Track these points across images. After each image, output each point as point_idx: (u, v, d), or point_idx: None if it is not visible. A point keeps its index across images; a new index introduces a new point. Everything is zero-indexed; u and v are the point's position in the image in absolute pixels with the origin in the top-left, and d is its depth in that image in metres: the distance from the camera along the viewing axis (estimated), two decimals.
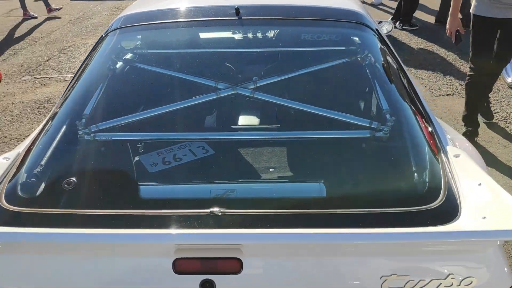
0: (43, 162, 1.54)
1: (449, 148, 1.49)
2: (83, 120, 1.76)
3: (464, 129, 3.28)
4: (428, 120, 1.66)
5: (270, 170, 1.63)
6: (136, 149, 1.72)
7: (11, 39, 6.39)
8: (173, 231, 1.17)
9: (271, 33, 2.07)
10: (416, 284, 1.14)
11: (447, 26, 3.05)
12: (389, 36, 5.72)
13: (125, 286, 1.18)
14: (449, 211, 1.22)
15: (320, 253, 1.16)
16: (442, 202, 1.26)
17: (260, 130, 1.77)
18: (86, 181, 1.52)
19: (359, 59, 1.96)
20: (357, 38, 2.03)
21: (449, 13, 3.04)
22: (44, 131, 1.69)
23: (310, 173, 1.58)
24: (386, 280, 1.13)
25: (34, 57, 5.57)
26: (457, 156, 1.43)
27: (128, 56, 2.10)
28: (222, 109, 1.89)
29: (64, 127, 1.74)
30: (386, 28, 3.35)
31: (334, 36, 2.03)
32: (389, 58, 1.92)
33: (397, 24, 6.06)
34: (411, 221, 1.21)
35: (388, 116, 1.69)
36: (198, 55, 2.10)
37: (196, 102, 1.83)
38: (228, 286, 1.15)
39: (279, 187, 1.55)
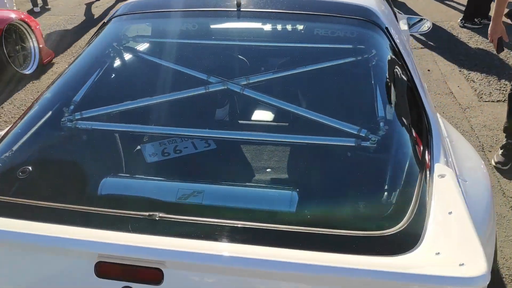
0: (14, 148, 1.55)
1: (437, 167, 1.32)
2: (71, 107, 1.75)
3: (504, 141, 2.98)
4: (427, 131, 1.48)
5: (246, 173, 1.55)
6: (114, 140, 1.69)
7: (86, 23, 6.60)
8: (96, 237, 1.10)
9: (270, 27, 1.95)
10: None
11: (489, 32, 2.73)
12: (446, 34, 5.35)
13: (45, 285, 1.15)
14: (403, 241, 1.08)
15: (243, 273, 1.06)
16: (399, 229, 1.11)
17: (243, 130, 1.68)
18: (42, 171, 1.51)
19: (361, 59, 1.80)
20: (361, 37, 1.86)
21: (491, 18, 2.74)
22: (26, 115, 1.70)
23: (283, 180, 1.48)
24: None
25: None
26: (442, 176, 1.26)
27: (126, 44, 2.07)
28: (209, 104, 1.81)
29: (49, 112, 1.75)
30: (426, 25, 3.13)
31: (337, 33, 1.87)
32: (396, 60, 1.74)
33: (459, 21, 5.65)
34: (357, 247, 1.08)
35: (381, 124, 1.54)
36: (194, 47, 2.03)
37: (184, 95, 1.77)
38: None
39: (246, 194, 1.44)
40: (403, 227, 1.12)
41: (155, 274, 1.07)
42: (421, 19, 3.18)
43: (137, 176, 1.55)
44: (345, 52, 1.86)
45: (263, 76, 1.79)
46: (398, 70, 1.71)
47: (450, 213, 1.10)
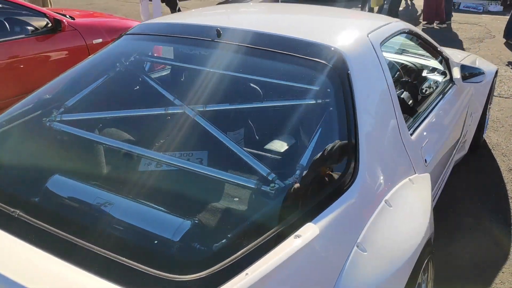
0: None
1: (305, 229, 1.28)
2: (54, 108, 1.87)
3: None
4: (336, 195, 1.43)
5: (156, 194, 1.56)
6: (74, 143, 1.77)
7: None
8: None
9: (240, 60, 1.96)
10: None
11: None
12: None
13: None
14: None
15: None
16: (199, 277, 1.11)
17: (168, 153, 1.71)
18: None
19: (308, 102, 1.82)
20: (315, 80, 1.81)
21: None
22: (15, 107, 1.81)
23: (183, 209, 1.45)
24: None
25: None
26: (297, 236, 1.23)
27: (123, 60, 2.15)
28: (161, 125, 1.88)
29: (34, 107, 1.87)
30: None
31: (295, 73, 1.85)
32: (341, 109, 1.65)
33: None
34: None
35: (298, 172, 1.51)
36: (176, 70, 2.13)
37: (145, 113, 1.92)
38: None
39: (141, 211, 1.43)
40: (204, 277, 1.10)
41: None
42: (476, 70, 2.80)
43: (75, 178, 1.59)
44: (296, 93, 1.87)
45: (217, 106, 1.88)
46: (338, 120, 1.66)
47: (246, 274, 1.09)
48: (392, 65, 2.65)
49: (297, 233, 1.26)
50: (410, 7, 9.79)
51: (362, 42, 1.88)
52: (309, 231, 1.26)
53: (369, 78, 1.80)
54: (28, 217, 1.30)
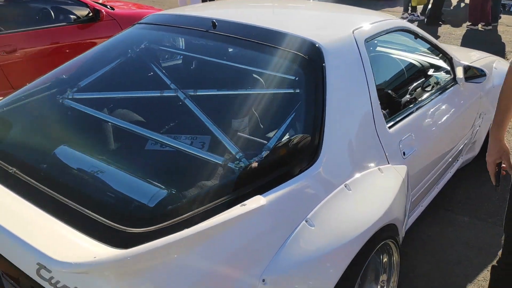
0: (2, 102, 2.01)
1: (253, 200, 1.42)
2: (65, 86, 2.13)
3: None
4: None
5: (130, 162, 1.75)
6: (80, 119, 2.00)
7: None
8: None
9: (231, 50, 2.19)
10: None
11: (487, 157, 1.87)
12: None
13: None
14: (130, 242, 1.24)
15: None
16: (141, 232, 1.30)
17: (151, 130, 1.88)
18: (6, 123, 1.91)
19: (285, 91, 1.95)
20: (293, 70, 1.95)
21: (490, 133, 1.91)
22: (34, 83, 2.09)
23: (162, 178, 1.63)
24: None
25: None
26: (243, 205, 1.38)
27: (134, 47, 2.38)
28: (157, 106, 2.08)
29: (50, 84, 2.13)
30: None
31: (276, 64, 1.97)
32: (313, 99, 1.79)
33: None
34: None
35: (263, 153, 1.66)
36: (177, 58, 2.34)
37: (143, 95, 2.14)
38: None
39: (118, 177, 1.63)
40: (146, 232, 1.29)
41: None
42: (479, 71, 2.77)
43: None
44: (274, 82, 2.02)
45: (203, 91, 2.06)
46: (308, 108, 1.79)
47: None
48: (385, 61, 2.73)
49: (244, 202, 1.42)
50: (459, 7, 9.54)
51: (344, 37, 2.00)
52: (255, 202, 1.42)
53: (345, 72, 1.92)
54: (23, 175, 1.54)
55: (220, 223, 1.30)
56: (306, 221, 1.53)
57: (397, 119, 2.17)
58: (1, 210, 1.30)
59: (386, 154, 1.99)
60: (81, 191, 1.52)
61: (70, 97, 2.12)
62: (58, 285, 1.23)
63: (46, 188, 1.48)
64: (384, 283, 2.03)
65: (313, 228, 1.53)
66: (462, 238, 2.76)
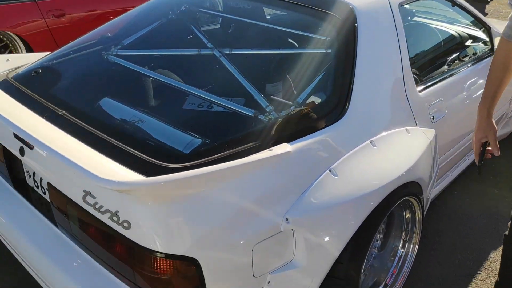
0: (53, 56, 2.17)
1: (279, 146, 1.52)
2: (114, 44, 2.26)
3: None
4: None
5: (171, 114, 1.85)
6: (123, 74, 2.12)
7: None
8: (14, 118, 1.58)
9: (265, 13, 2.27)
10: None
11: (473, 134, 1.79)
12: None
13: None
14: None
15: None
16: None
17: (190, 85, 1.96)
18: (48, 75, 2.07)
19: (318, 50, 1.98)
20: (327, 30, 1.98)
21: (477, 110, 1.75)
22: (78, 40, 2.23)
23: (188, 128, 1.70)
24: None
25: None
26: (270, 150, 1.47)
27: (174, 8, 2.48)
28: (193, 63, 2.18)
29: (95, 41, 2.27)
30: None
31: (311, 24, 2.04)
32: (343, 58, 1.86)
33: None
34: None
35: (292, 108, 1.72)
36: (215, 20, 2.43)
37: (182, 53, 2.23)
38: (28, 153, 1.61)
39: (157, 126, 1.72)
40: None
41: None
42: None
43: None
44: (307, 42, 2.06)
45: (240, 50, 2.12)
46: (339, 67, 1.85)
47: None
48: (421, 29, 2.72)
49: (271, 148, 1.52)
50: None
51: (378, 0, 2.04)
52: (281, 148, 1.52)
53: (377, 33, 1.96)
54: (71, 116, 1.69)
55: (248, 162, 1.40)
56: (330, 171, 1.61)
57: (429, 84, 2.20)
58: (52, 143, 1.44)
59: (415, 116, 2.03)
60: (123, 133, 1.65)
61: (114, 53, 2.25)
62: (101, 210, 1.38)
63: (91, 128, 1.62)
64: (406, 240, 2.09)
65: (336, 177, 1.61)
66: (491, 209, 2.78)
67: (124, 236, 1.33)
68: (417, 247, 2.12)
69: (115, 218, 1.34)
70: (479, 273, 2.31)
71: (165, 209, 1.29)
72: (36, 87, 1.94)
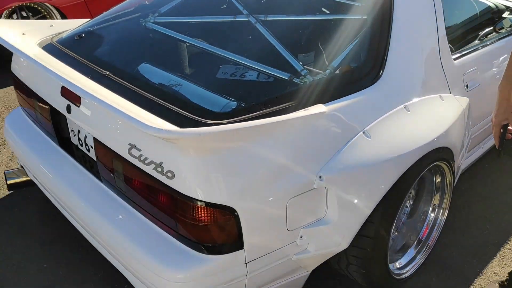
0: (94, 22, 2.27)
1: (314, 107, 1.56)
2: (152, 12, 2.33)
3: None
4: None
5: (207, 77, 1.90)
6: (162, 40, 2.18)
7: None
8: (64, 74, 1.67)
9: None
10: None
11: (492, 117, 1.70)
12: None
13: None
14: None
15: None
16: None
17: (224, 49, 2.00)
18: (94, 40, 2.17)
19: (353, 17, 1.98)
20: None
21: (498, 90, 1.64)
22: (118, 7, 2.32)
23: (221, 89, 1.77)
24: None
25: None
26: (305, 110, 1.52)
27: None
28: (230, 29, 2.21)
29: (134, 9, 2.36)
30: None
31: None
32: (380, 26, 1.87)
33: None
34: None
35: (327, 71, 1.74)
36: None
37: (218, 20, 2.27)
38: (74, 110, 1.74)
39: (197, 87, 1.76)
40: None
41: (77, 99, 1.70)
42: None
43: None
44: (342, 8, 2.07)
45: (275, 16, 2.14)
46: (375, 32, 1.86)
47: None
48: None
49: (307, 108, 1.57)
50: None
51: None
52: (316, 108, 1.56)
53: (414, 0, 1.97)
54: (114, 76, 1.77)
55: (284, 120, 1.46)
56: (364, 133, 1.65)
57: (464, 53, 2.19)
58: (100, 96, 1.52)
59: (449, 84, 2.04)
60: (164, 92, 1.71)
61: (152, 20, 2.32)
62: (146, 161, 1.46)
63: (135, 87, 1.69)
64: (435, 206, 2.13)
65: (369, 139, 1.65)
66: None
67: (168, 186, 1.42)
68: (446, 212, 2.15)
69: (159, 169, 1.42)
70: (508, 243, 2.33)
71: (207, 160, 1.36)
72: (80, 50, 2.03)
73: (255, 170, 1.43)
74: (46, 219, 2.45)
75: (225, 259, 1.46)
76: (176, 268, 1.45)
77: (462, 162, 2.23)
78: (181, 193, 1.39)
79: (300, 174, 1.51)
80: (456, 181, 2.21)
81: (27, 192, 2.64)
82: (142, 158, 1.47)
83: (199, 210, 1.39)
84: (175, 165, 1.39)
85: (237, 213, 1.41)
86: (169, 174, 1.40)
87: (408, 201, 2.12)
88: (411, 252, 2.10)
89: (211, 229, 1.42)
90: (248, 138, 1.41)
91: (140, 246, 1.54)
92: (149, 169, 1.46)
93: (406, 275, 2.05)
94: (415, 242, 2.12)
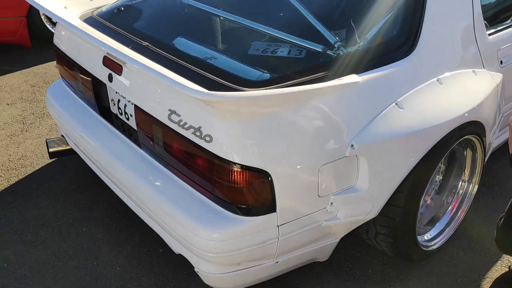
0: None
1: (348, 77, 1.60)
2: None
3: None
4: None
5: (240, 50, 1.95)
6: (196, 14, 2.23)
7: None
8: (108, 42, 1.74)
9: None
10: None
11: (510, 123, 1.70)
12: None
13: None
14: None
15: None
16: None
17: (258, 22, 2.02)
18: (130, 14, 2.24)
19: None
20: None
21: None
22: None
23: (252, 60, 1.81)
24: None
25: None
26: (339, 79, 1.56)
27: None
28: (264, 3, 2.24)
29: None
30: None
31: None
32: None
33: None
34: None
35: (361, 44, 1.75)
36: None
37: None
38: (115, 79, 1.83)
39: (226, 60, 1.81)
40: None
41: (118, 68, 1.77)
42: None
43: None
44: None
45: None
46: (409, 6, 1.85)
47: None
48: None
49: (341, 78, 1.60)
50: None
51: None
52: (350, 78, 1.60)
53: None
54: (153, 47, 1.84)
55: (317, 88, 1.50)
56: (396, 104, 1.68)
57: (499, 28, 2.17)
58: (143, 62, 1.59)
59: (483, 59, 2.03)
60: (202, 62, 1.77)
61: None
62: (185, 126, 1.53)
63: (172, 56, 1.76)
64: (465, 181, 2.15)
65: (401, 110, 1.68)
66: None
67: (206, 149, 1.48)
68: (476, 187, 2.16)
69: (198, 133, 1.49)
70: None
71: (244, 125, 1.42)
72: (120, 22, 2.11)
73: (289, 136, 1.48)
74: (84, 186, 2.57)
75: (258, 221, 1.53)
76: (212, 227, 1.52)
77: (494, 139, 2.23)
78: (218, 156, 1.46)
79: (332, 142, 1.56)
80: (487, 158, 2.21)
81: (67, 160, 2.77)
82: (181, 123, 1.54)
83: (235, 173, 1.46)
84: (213, 129, 1.45)
85: (271, 177, 1.47)
86: (207, 138, 1.46)
87: (438, 175, 2.14)
88: (439, 225, 2.13)
89: (246, 192, 1.49)
90: (283, 105, 1.46)
91: (179, 207, 1.62)
92: (188, 134, 1.53)
93: (434, 247, 2.08)
94: (444, 216, 2.15)
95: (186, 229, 1.57)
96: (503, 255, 2.13)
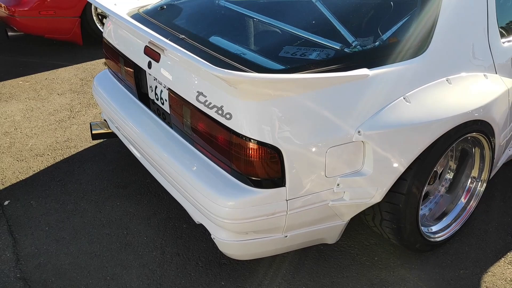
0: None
1: (359, 70, 1.75)
2: None
3: None
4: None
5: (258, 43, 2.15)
6: (231, 16, 2.44)
7: None
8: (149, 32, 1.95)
9: None
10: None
11: None
12: None
13: None
14: None
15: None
16: None
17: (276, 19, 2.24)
18: (172, 12, 2.48)
19: None
20: None
21: None
22: None
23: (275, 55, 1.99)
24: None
25: None
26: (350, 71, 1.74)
27: None
28: (291, 5, 2.44)
29: None
30: None
31: None
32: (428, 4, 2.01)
33: None
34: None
35: (377, 43, 1.92)
36: None
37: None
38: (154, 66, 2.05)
39: (250, 55, 1.99)
40: None
41: (157, 56, 1.98)
42: None
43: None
44: None
45: None
46: (424, 9, 2.00)
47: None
48: None
49: (353, 71, 1.77)
50: None
51: None
52: (361, 71, 1.77)
53: None
54: (189, 39, 2.08)
55: (329, 77, 1.68)
56: (404, 98, 1.83)
57: None
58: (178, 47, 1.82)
59: (495, 65, 2.15)
60: (232, 54, 1.98)
61: None
62: (210, 106, 1.74)
63: (205, 48, 1.98)
64: (474, 179, 2.25)
65: (409, 104, 1.82)
66: None
67: (226, 126, 1.69)
68: (484, 185, 2.26)
69: (220, 112, 1.70)
70: None
71: (261, 105, 1.62)
72: (161, 18, 2.36)
73: (301, 118, 1.66)
74: (121, 168, 2.83)
75: (269, 193, 1.71)
76: (228, 196, 1.72)
77: (504, 153, 2.31)
78: (236, 132, 1.66)
79: (340, 127, 1.72)
80: (500, 163, 2.30)
81: (107, 144, 3.05)
82: (206, 103, 1.75)
83: (250, 147, 1.65)
84: (233, 108, 1.65)
85: (282, 154, 1.65)
86: (228, 116, 1.67)
87: (447, 175, 2.25)
88: (447, 220, 2.24)
89: (259, 166, 1.67)
90: (296, 90, 1.65)
91: (200, 179, 1.82)
92: (211, 112, 1.74)
93: (439, 239, 2.19)
94: (452, 211, 2.26)
95: (206, 198, 1.77)
96: (508, 253, 2.21)
